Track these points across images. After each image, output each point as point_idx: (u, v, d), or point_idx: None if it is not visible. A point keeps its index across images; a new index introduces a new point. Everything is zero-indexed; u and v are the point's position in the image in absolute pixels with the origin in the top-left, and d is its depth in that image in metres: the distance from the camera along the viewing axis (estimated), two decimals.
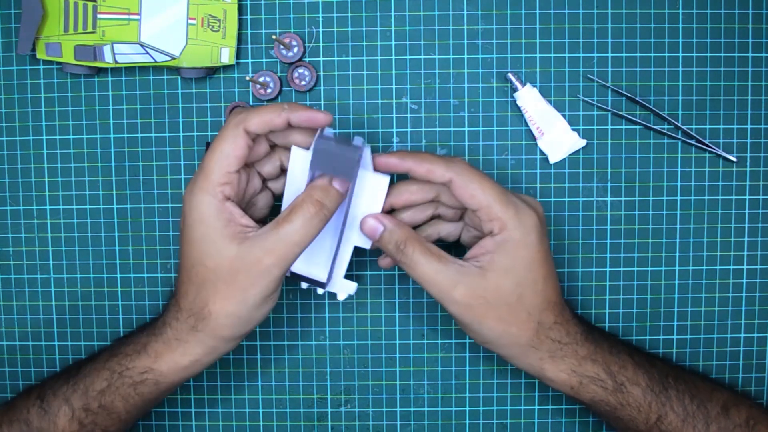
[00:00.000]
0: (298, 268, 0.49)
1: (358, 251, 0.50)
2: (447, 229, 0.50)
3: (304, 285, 0.50)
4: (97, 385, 0.47)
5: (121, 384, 0.46)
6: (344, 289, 0.50)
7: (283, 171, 0.49)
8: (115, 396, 0.47)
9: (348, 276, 0.50)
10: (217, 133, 0.45)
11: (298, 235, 0.43)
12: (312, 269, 0.49)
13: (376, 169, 0.47)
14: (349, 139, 0.46)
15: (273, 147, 0.48)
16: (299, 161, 0.47)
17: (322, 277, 0.48)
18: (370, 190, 0.47)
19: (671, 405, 0.47)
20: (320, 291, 0.50)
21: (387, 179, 0.47)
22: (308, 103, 0.54)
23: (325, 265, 0.48)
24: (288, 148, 0.47)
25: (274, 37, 0.51)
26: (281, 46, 0.53)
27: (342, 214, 0.47)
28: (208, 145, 0.54)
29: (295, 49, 0.53)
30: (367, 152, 0.46)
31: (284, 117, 0.44)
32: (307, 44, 0.54)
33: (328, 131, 0.46)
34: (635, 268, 0.55)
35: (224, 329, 0.45)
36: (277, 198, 0.51)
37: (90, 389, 0.47)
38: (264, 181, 0.49)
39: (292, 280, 0.50)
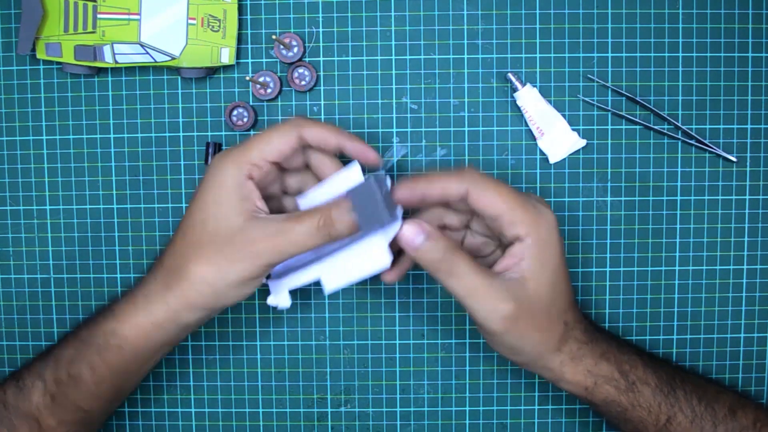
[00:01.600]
0: None
1: None
2: (453, 238, 0.49)
3: None
4: (66, 353, 0.47)
5: (88, 351, 0.46)
6: (281, 299, 0.49)
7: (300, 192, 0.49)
8: (83, 365, 0.46)
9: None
10: (272, 126, 0.46)
11: (299, 237, 0.43)
12: None
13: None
14: (393, 205, 0.44)
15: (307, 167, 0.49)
16: (349, 177, 0.46)
17: None
18: (364, 255, 0.46)
19: (680, 406, 0.47)
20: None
21: (388, 261, 0.45)
22: (308, 103, 0.54)
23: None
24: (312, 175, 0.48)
25: (274, 37, 0.51)
26: (281, 46, 0.53)
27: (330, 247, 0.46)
28: (208, 144, 0.54)
29: (295, 49, 0.53)
30: (394, 228, 0.44)
31: (339, 140, 0.45)
32: (307, 44, 0.54)
33: (388, 180, 0.45)
34: (635, 268, 0.55)
35: (194, 294, 0.44)
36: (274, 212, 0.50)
37: (61, 359, 0.47)
38: (283, 194, 0.50)
39: None
